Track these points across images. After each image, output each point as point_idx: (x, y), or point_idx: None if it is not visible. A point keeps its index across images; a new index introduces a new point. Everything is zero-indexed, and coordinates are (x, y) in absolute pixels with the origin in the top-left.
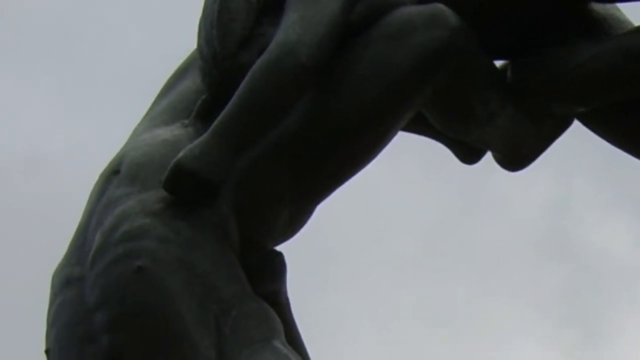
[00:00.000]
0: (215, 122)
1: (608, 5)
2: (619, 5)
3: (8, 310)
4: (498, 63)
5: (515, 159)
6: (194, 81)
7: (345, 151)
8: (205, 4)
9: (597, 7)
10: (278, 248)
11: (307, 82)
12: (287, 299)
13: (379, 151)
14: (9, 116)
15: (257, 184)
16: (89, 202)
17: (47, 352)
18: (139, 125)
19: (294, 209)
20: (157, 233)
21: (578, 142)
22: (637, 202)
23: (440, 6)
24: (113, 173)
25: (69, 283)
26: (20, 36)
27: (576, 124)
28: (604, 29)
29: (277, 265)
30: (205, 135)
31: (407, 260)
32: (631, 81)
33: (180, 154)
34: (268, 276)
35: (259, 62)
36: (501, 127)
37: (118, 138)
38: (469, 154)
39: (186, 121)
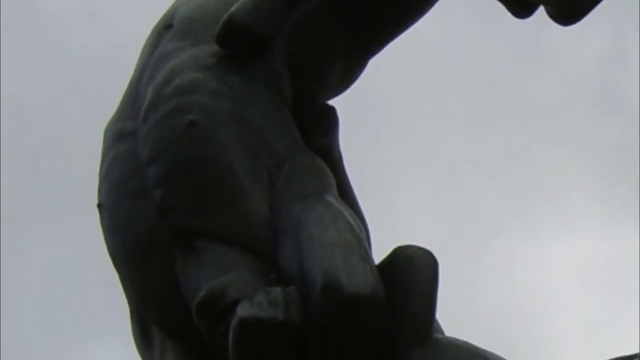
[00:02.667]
0: None
1: None
2: None
3: (62, 164)
4: None
5: (568, 12)
6: None
7: (399, 2)
8: None
9: None
10: (331, 102)
11: None
12: (339, 153)
13: (432, 4)
14: None
15: (311, 37)
16: (141, 56)
17: (99, 206)
18: None
19: (347, 62)
20: (210, 87)
21: None
22: None
23: None
24: (165, 27)
25: (122, 137)
26: None
27: None
28: None
29: (330, 120)
30: None
31: (461, 113)
32: None
33: (233, 8)
34: (321, 130)
35: None
36: None
37: None
38: (521, 8)
39: None
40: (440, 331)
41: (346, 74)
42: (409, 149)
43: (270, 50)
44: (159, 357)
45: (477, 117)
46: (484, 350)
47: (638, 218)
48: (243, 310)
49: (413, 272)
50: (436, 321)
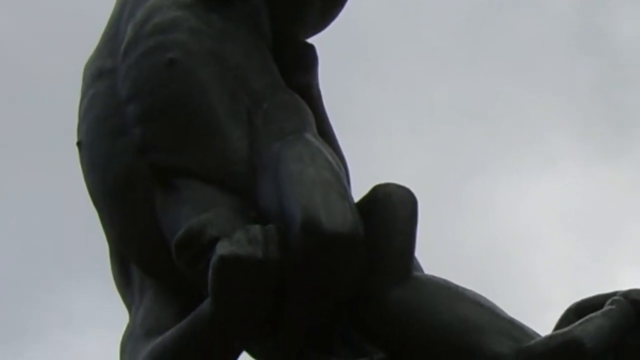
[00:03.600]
0: None
1: None
2: None
3: (42, 102)
4: None
5: None
6: None
7: None
8: None
9: None
10: (310, 41)
11: None
12: (318, 92)
13: None
14: None
15: None
16: None
17: (78, 144)
18: None
19: (325, 0)
20: (189, 25)
21: None
22: None
23: None
24: None
25: (101, 75)
26: None
27: None
28: None
29: (309, 58)
30: None
31: (440, 53)
32: None
33: None
34: (300, 68)
35: None
36: None
37: None
38: None
39: None
40: (420, 269)
41: (325, 12)
42: (388, 88)
43: None
44: (138, 295)
45: (458, 57)
46: (463, 288)
47: (617, 157)
48: (222, 248)
49: (392, 210)
50: (415, 259)
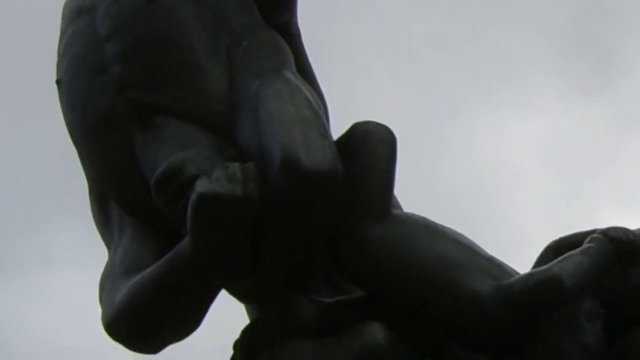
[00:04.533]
0: None
1: None
2: None
3: (20, 42)
4: None
5: None
6: None
7: None
8: None
9: None
10: None
11: None
12: (298, 30)
13: None
14: None
15: None
16: None
17: (58, 82)
18: None
19: None
20: None
21: None
22: None
23: None
24: None
25: (81, 13)
26: None
27: None
28: None
29: None
30: None
31: None
32: None
33: None
34: (279, 7)
35: None
36: None
37: None
38: None
39: None
40: (399, 207)
41: None
42: (367, 26)
43: None
44: (118, 234)
45: None
46: (443, 226)
47: (595, 94)
48: (202, 186)
49: (371, 148)
50: (394, 197)
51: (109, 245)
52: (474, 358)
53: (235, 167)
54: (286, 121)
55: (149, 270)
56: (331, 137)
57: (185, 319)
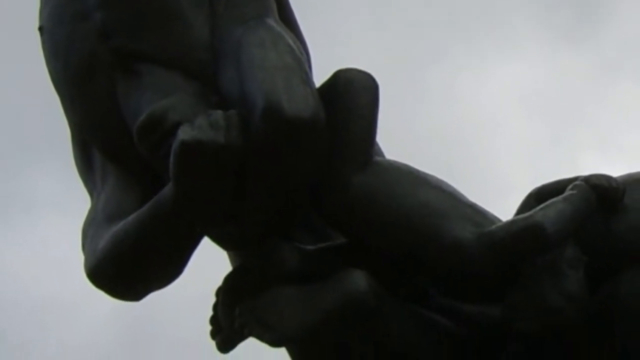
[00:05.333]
0: None
1: None
2: None
3: None
4: None
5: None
6: None
7: None
8: None
9: None
10: None
11: None
12: None
13: None
14: None
15: None
16: None
17: (40, 29)
18: None
19: None
20: None
21: None
22: None
23: None
24: None
25: None
26: None
27: None
28: None
29: None
30: None
31: None
32: None
33: None
34: None
35: None
36: None
37: None
38: None
39: None
40: (381, 154)
41: None
42: None
43: None
44: (100, 181)
45: None
46: (425, 173)
47: (579, 42)
48: (184, 133)
49: (353, 95)
50: (377, 144)
51: (91, 192)
52: (456, 305)
53: (217, 114)
54: (268, 68)
55: (131, 217)
56: (313, 84)
57: (167, 266)
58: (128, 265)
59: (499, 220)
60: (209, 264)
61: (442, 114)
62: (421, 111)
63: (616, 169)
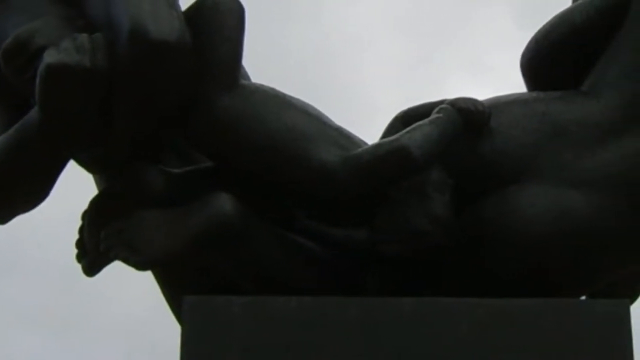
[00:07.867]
0: None
1: None
2: None
3: None
4: None
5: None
6: None
7: None
8: None
9: None
10: None
11: None
12: None
13: None
14: None
15: None
16: None
17: None
18: None
19: None
20: None
21: None
22: None
23: None
24: None
25: None
26: None
27: None
28: None
29: None
30: None
31: None
32: None
33: None
34: None
35: None
36: None
37: None
38: None
39: None
40: (247, 78)
41: None
42: None
43: None
44: None
45: None
46: (291, 97)
47: None
48: (50, 56)
49: (219, 18)
50: (243, 68)
51: None
52: (323, 228)
53: (83, 37)
54: None
55: None
56: (179, 7)
57: (33, 189)
58: None
59: (366, 144)
60: (75, 187)
61: (308, 34)
62: (288, 32)
63: (485, 90)
